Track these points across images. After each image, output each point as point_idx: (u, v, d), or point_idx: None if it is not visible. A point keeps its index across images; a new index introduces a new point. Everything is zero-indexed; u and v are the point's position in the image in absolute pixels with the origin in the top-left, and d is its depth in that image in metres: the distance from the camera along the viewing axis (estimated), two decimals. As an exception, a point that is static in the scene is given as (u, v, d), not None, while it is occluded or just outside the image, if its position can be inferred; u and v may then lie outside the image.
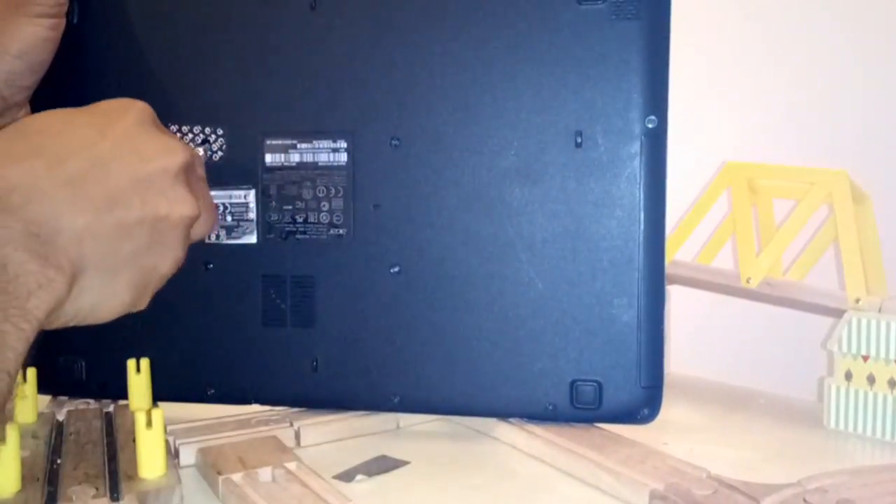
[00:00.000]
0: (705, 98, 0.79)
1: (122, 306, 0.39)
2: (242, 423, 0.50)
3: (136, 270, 0.39)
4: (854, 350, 0.53)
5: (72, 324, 0.38)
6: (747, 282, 0.58)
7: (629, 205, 0.48)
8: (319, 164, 0.51)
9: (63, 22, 0.49)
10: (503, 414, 0.51)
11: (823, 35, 0.79)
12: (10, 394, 0.34)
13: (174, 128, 0.52)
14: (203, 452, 0.46)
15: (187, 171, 0.41)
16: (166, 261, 0.40)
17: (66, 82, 0.53)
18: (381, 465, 0.47)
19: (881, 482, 0.42)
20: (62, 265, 0.35)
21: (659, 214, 0.48)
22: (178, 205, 0.40)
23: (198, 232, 0.44)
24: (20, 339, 0.34)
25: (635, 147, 0.48)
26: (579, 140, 0.49)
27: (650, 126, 0.48)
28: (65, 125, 0.39)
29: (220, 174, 0.52)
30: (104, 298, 0.38)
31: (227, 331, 0.52)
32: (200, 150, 0.51)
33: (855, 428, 0.53)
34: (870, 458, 0.50)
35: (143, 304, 0.41)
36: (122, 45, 0.53)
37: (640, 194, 0.48)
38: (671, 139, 0.48)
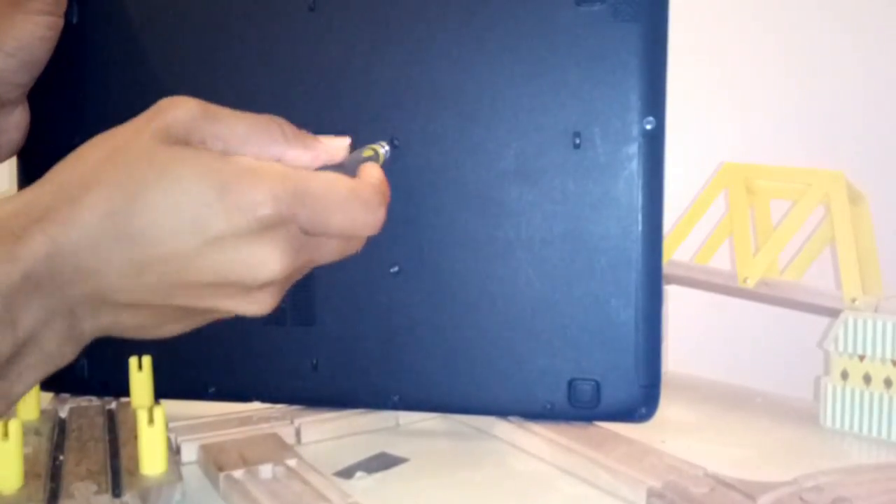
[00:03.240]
0: (703, 99, 0.80)
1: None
2: (243, 421, 0.51)
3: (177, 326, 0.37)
4: (850, 349, 0.53)
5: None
6: (744, 282, 0.58)
7: (627, 205, 0.48)
8: None
9: (61, 21, 0.49)
10: (501, 412, 0.51)
11: (820, 36, 0.79)
12: None
13: None
14: (204, 449, 0.46)
15: (283, 281, 0.36)
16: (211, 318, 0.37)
17: (66, 82, 0.53)
18: (381, 463, 0.47)
19: (877, 481, 0.42)
20: (83, 332, 0.34)
21: (657, 215, 0.48)
22: (247, 306, 0.35)
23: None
24: None
25: (633, 148, 0.48)
26: (578, 141, 0.49)
27: (648, 127, 0.48)
28: (173, 207, 0.33)
29: None
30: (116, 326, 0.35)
31: (229, 329, 0.52)
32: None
33: (851, 427, 0.53)
34: (866, 456, 0.50)
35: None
36: (121, 45, 0.53)
37: (637, 195, 0.48)
38: (669, 140, 0.49)
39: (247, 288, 0.35)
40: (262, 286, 0.35)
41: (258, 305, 0.36)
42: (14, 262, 0.31)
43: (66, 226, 0.32)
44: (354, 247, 0.40)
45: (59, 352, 0.33)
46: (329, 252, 0.38)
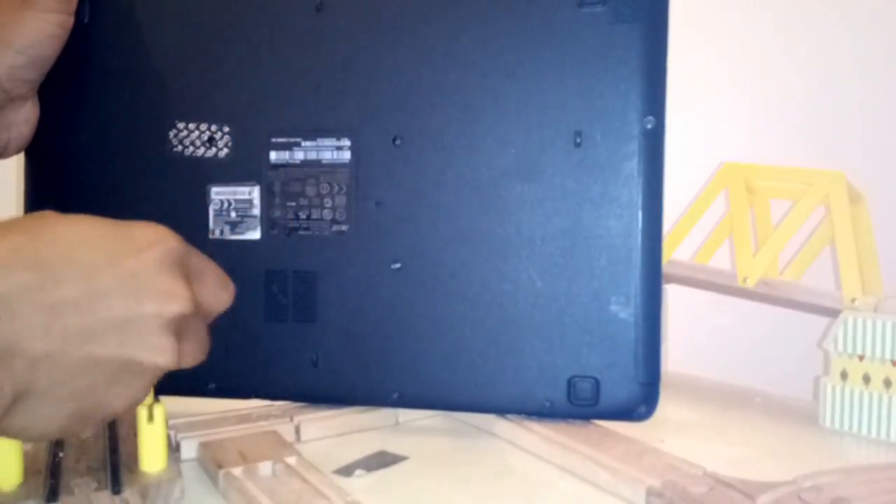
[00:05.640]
0: (704, 99, 0.80)
1: (57, 432, 0.35)
2: (243, 418, 0.51)
3: (86, 404, 0.35)
4: (849, 350, 0.53)
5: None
6: (744, 281, 0.58)
7: (627, 203, 0.49)
8: (323, 161, 0.52)
9: (70, 20, 0.50)
10: (501, 410, 0.51)
11: (821, 36, 0.79)
12: None
13: (181, 125, 0.53)
14: (204, 446, 0.46)
15: (182, 320, 0.37)
16: (121, 400, 0.36)
17: (77, 80, 0.54)
18: (381, 461, 0.47)
19: (876, 481, 0.42)
20: (2, 388, 0.33)
21: (656, 213, 0.49)
22: (156, 353, 0.36)
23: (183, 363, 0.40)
24: None
25: (633, 147, 0.48)
26: (578, 140, 0.49)
27: (648, 126, 0.48)
28: (81, 243, 0.35)
29: (225, 171, 0.52)
30: (39, 423, 0.34)
31: (229, 326, 0.52)
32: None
33: (850, 427, 0.53)
34: (865, 456, 0.50)
35: (82, 433, 0.37)
36: (131, 44, 0.53)
37: (638, 193, 0.48)
38: (670, 140, 0.49)
39: (161, 322, 0.36)
40: (168, 322, 0.36)
41: (169, 352, 0.36)
42: None
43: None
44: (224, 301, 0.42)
45: None
46: (209, 296, 0.40)
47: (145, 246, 0.36)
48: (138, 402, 0.37)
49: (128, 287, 0.35)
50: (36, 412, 0.34)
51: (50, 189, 0.55)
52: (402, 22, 0.51)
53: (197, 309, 0.38)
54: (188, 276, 0.38)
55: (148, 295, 0.36)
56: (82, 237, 0.35)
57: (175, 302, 0.36)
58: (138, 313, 0.35)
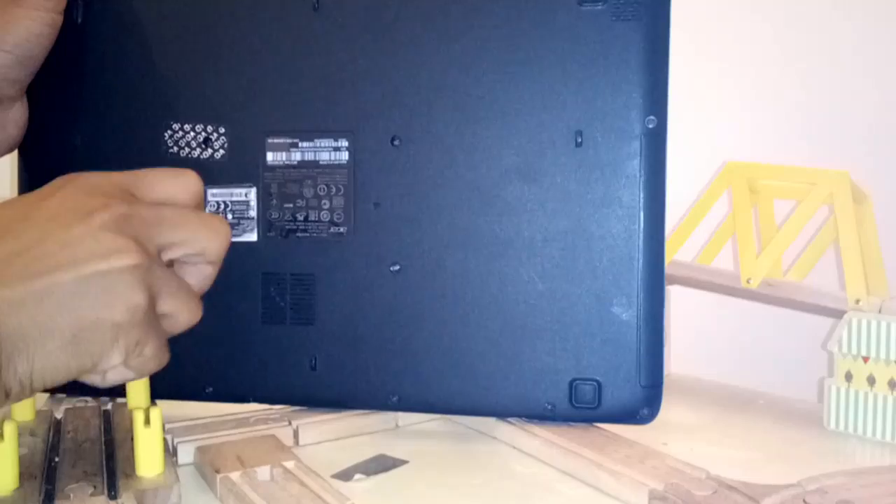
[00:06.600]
0: (707, 98, 0.80)
1: (68, 368, 0.35)
2: (241, 422, 0.50)
3: (80, 327, 0.35)
4: (854, 351, 0.52)
5: (21, 398, 0.35)
6: (747, 282, 0.57)
7: (629, 204, 0.48)
8: (320, 162, 0.51)
9: (59, 19, 0.49)
10: (502, 413, 0.51)
11: (825, 35, 0.79)
12: None
13: (177, 125, 0.52)
14: (201, 451, 0.46)
15: (122, 222, 0.37)
16: (114, 310, 0.36)
17: (71, 81, 0.53)
18: (380, 465, 0.47)
19: (881, 483, 0.42)
20: None
21: (658, 213, 0.48)
22: (113, 255, 0.36)
23: (176, 326, 0.40)
24: None
25: (635, 146, 0.48)
26: (579, 140, 0.49)
27: (650, 126, 0.48)
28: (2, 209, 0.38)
29: (221, 173, 0.52)
30: (45, 365, 0.35)
31: (227, 329, 0.52)
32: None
33: (855, 429, 0.53)
34: (870, 459, 0.50)
35: (103, 362, 0.36)
36: (126, 44, 0.53)
37: (639, 193, 0.48)
38: (673, 139, 0.49)
39: (103, 223, 0.36)
40: (101, 226, 0.36)
41: (119, 253, 0.36)
42: None
43: None
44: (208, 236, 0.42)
45: None
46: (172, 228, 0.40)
47: (52, 189, 0.38)
48: (135, 305, 0.36)
49: (54, 223, 0.36)
50: (34, 356, 0.34)
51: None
52: (400, 21, 0.50)
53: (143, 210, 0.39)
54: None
55: (74, 215, 0.36)
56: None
57: (104, 209, 0.37)
58: (73, 233, 0.36)
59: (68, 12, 0.51)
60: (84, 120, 0.53)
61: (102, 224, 0.36)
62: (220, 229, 0.41)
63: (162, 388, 0.51)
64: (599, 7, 0.48)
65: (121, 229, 0.37)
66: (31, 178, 0.54)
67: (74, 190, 0.38)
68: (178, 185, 0.41)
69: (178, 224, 0.40)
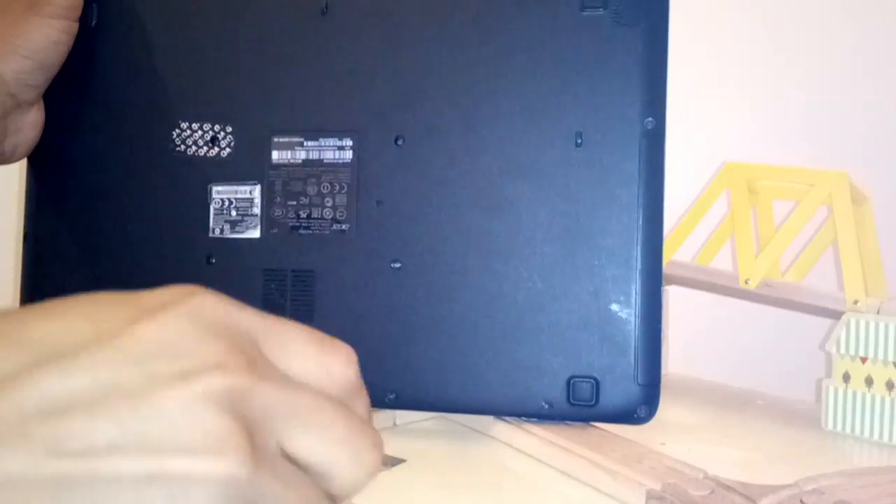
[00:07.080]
0: (706, 99, 0.80)
1: None
2: (240, 419, 0.50)
3: None
4: (852, 352, 0.53)
5: None
6: (746, 283, 0.58)
7: (628, 204, 0.48)
8: (325, 161, 0.52)
9: (76, 26, 0.51)
10: (499, 412, 0.51)
11: (824, 35, 0.79)
12: None
13: (185, 124, 0.52)
14: (201, 447, 0.45)
15: (236, 397, 0.22)
16: None
17: (83, 81, 0.54)
18: (379, 462, 0.47)
19: (878, 484, 0.42)
20: None
21: (657, 213, 0.48)
22: (203, 453, 0.21)
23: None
24: None
25: (634, 147, 0.48)
26: (579, 140, 0.49)
27: (649, 127, 0.48)
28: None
29: (226, 171, 0.52)
30: None
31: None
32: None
33: (852, 430, 0.53)
34: (867, 459, 0.50)
35: None
36: (138, 45, 0.54)
37: (638, 194, 0.48)
38: (671, 140, 0.49)
39: (201, 396, 0.21)
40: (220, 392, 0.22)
41: (233, 443, 0.21)
42: None
43: None
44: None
45: None
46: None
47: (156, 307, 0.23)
48: None
49: (159, 361, 0.21)
50: None
51: (52, 189, 0.55)
52: (405, 24, 0.51)
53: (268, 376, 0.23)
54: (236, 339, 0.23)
55: (192, 367, 0.21)
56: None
57: (235, 375, 0.22)
58: (174, 395, 0.21)
59: (83, 15, 0.51)
60: (94, 119, 0.54)
61: (207, 394, 0.21)
62: (368, 455, 0.25)
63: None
64: (600, 12, 0.49)
65: (233, 408, 0.22)
66: (39, 174, 0.55)
67: (190, 318, 0.22)
68: (324, 359, 0.25)
69: (316, 424, 0.24)
